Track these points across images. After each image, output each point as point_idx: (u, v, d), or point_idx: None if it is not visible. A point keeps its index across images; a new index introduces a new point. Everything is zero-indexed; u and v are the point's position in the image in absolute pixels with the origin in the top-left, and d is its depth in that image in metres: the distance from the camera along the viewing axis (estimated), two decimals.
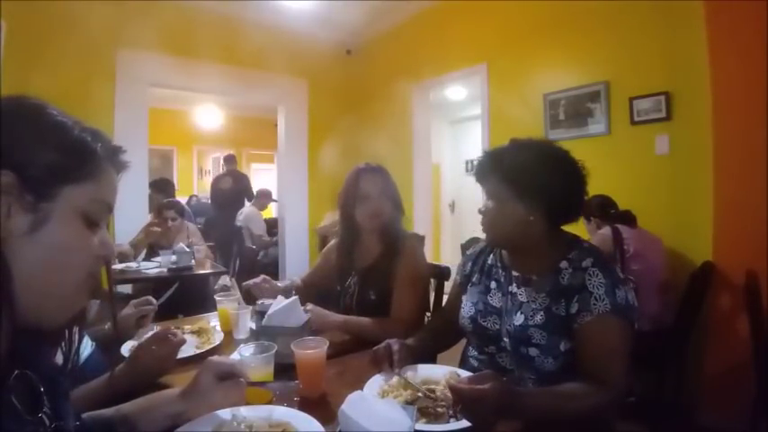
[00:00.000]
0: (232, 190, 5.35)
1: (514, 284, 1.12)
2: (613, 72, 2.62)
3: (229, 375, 0.81)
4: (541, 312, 1.03)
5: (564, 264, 1.04)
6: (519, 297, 1.09)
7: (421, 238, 1.74)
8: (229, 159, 5.81)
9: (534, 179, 1.02)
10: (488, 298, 1.16)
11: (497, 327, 1.10)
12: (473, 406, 0.77)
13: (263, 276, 1.58)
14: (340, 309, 1.57)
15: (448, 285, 1.54)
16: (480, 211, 1.13)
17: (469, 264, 1.28)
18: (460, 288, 1.27)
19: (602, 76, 2.66)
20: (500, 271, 1.17)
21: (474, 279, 1.23)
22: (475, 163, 1.16)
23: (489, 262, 1.22)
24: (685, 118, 2.32)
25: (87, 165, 0.52)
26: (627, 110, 2.53)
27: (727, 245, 2.12)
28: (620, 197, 2.39)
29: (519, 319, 1.06)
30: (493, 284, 1.17)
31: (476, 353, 1.18)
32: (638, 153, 2.50)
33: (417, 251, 1.57)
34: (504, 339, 1.08)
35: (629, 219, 2.27)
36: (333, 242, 1.78)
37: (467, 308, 1.19)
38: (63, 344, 0.58)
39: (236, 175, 5.56)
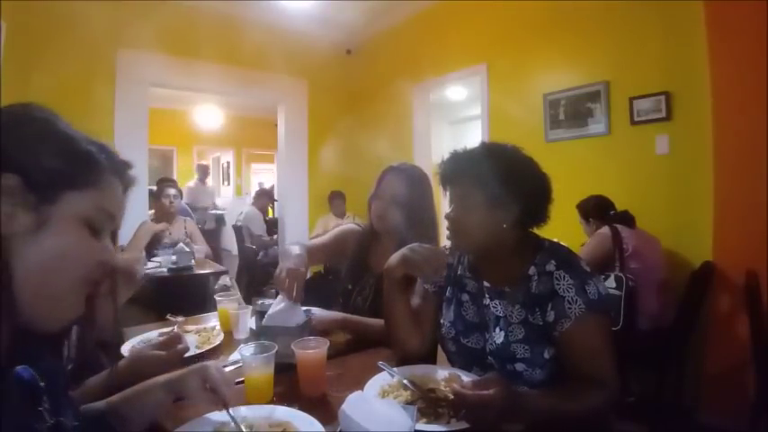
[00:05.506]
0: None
1: (487, 297, 1.08)
2: (613, 72, 2.62)
3: (213, 390, 0.78)
4: (520, 326, 1.01)
5: (532, 270, 1.02)
6: (494, 311, 1.06)
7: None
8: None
9: (510, 185, 1.00)
10: (463, 312, 1.13)
11: (481, 344, 1.08)
12: (478, 412, 0.77)
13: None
14: (348, 307, 1.50)
15: None
16: (448, 217, 1.06)
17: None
18: (436, 298, 1.21)
19: (602, 76, 2.66)
20: (471, 282, 1.14)
21: (447, 293, 1.18)
22: (440, 165, 1.09)
23: (459, 272, 1.18)
24: (685, 118, 2.32)
25: (90, 173, 0.54)
26: (627, 110, 2.53)
27: (727, 245, 2.12)
28: (620, 197, 2.39)
29: (499, 336, 1.03)
30: (465, 297, 1.14)
31: None
32: (638, 153, 2.49)
33: None
34: (489, 358, 1.05)
35: (627, 219, 2.27)
36: (350, 227, 1.68)
37: (446, 328, 1.16)
38: (68, 344, 0.58)
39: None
